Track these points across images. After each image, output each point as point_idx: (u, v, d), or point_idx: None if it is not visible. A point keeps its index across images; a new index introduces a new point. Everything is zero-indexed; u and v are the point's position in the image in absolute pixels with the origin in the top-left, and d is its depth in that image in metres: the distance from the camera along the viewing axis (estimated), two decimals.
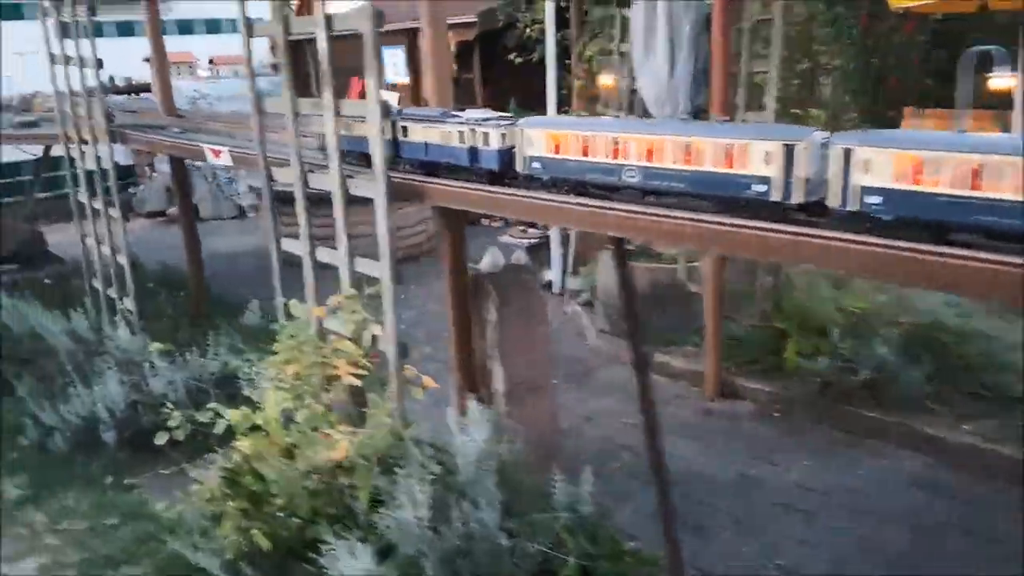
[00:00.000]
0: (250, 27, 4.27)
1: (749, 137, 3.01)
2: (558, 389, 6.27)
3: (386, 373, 4.06)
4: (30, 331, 6.19)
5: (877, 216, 2.66)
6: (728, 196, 3.05)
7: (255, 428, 4.12)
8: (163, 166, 13.57)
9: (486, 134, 3.92)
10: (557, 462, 4.87)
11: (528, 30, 9.05)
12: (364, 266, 4.11)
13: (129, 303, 6.16)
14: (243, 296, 8.97)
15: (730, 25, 5.61)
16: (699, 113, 6.17)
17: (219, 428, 4.13)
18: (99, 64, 5.55)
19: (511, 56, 9.22)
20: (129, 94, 12.41)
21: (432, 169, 4.21)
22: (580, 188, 3.61)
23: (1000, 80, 5.80)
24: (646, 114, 6.40)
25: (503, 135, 3.88)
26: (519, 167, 3.84)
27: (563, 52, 8.40)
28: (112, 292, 6.43)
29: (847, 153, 2.71)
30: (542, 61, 8.27)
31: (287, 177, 4.30)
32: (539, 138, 3.75)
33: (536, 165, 3.76)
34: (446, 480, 3.81)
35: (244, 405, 4.18)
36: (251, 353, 5.31)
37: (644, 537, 4.44)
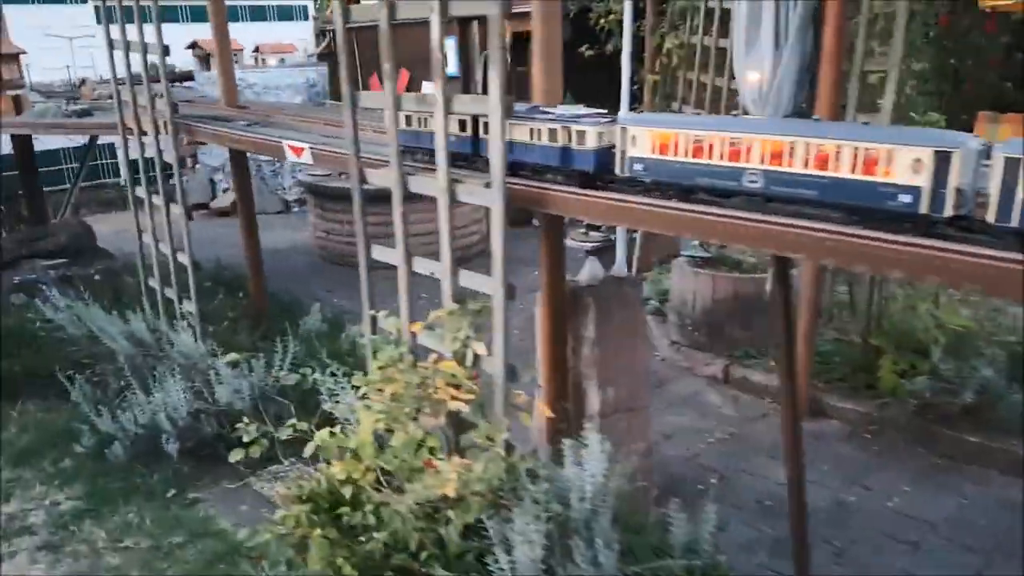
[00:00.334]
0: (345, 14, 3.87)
1: (895, 142, 2.69)
2: None
3: (490, 397, 3.69)
4: (87, 333, 5.87)
5: None
6: (867, 206, 2.75)
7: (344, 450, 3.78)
8: (205, 158, 13.29)
9: (582, 133, 3.55)
10: (655, 491, 4.50)
11: (603, 21, 8.58)
12: (470, 279, 3.72)
13: (191, 306, 5.82)
14: (294, 294, 8.70)
15: (845, 19, 5.17)
16: (800, 115, 5.78)
17: (308, 451, 3.78)
18: (166, 51, 5.20)
19: (583, 48, 8.73)
20: (172, 83, 12.10)
21: (514, 170, 3.83)
22: (688, 193, 3.29)
23: None
24: (743, 113, 5.98)
25: (600, 134, 3.53)
26: (618, 169, 3.50)
27: (637, 45, 7.96)
28: (170, 292, 6.10)
29: (1012, 164, 2.37)
30: (612, 55, 7.84)
31: (384, 180, 3.91)
32: (644, 137, 3.41)
33: (639, 167, 3.43)
34: (560, 517, 3.46)
35: (320, 419, 3.88)
36: (316, 362, 5.00)
37: (737, 569, 4.12)
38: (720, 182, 3.18)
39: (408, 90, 12.30)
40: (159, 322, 6.14)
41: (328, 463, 3.85)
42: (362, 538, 3.53)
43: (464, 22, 11.81)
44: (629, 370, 4.69)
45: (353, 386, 4.31)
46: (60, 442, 5.79)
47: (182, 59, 12.80)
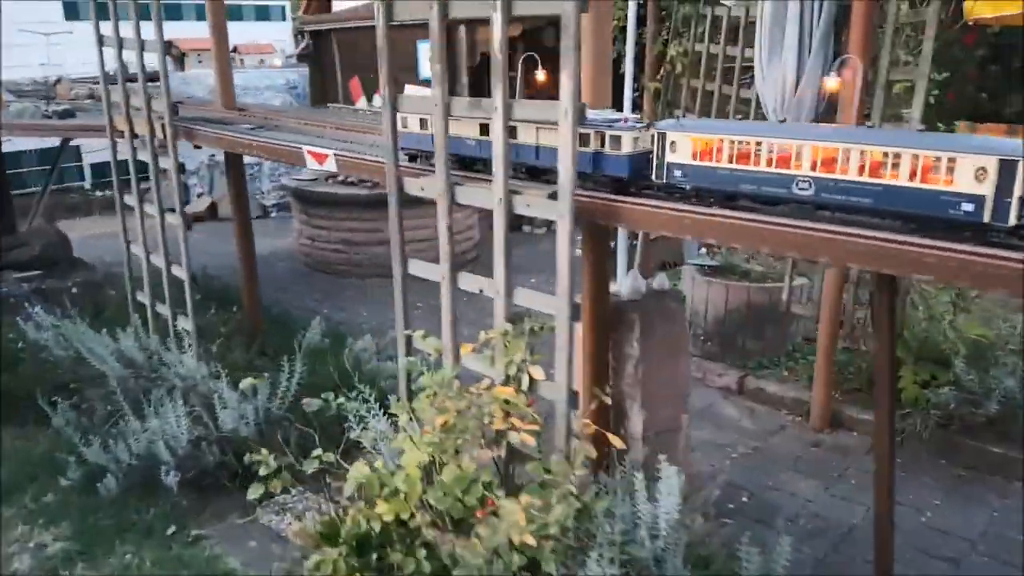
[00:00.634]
0: (388, 8, 3.56)
1: (957, 149, 2.65)
2: None
3: (551, 427, 3.42)
4: (72, 353, 5.36)
5: None
6: (926, 215, 2.72)
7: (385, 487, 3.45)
8: (187, 162, 12.64)
9: (617, 138, 3.42)
10: (705, 516, 4.28)
11: None
12: (528, 298, 3.44)
13: (186, 322, 5.38)
14: (282, 305, 8.24)
15: (872, 27, 5.08)
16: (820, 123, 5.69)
17: (348, 489, 3.43)
18: (168, 48, 4.77)
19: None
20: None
21: (538, 175, 3.70)
22: (730, 200, 3.20)
23: None
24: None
25: (636, 139, 3.41)
26: (655, 175, 3.41)
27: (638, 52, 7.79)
28: (162, 308, 5.64)
29: None
30: (614, 61, 7.63)
31: (428, 190, 3.61)
32: (684, 143, 3.30)
33: (678, 173, 3.34)
34: (632, 557, 3.22)
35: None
36: (330, 383, 4.65)
37: None
38: (767, 189, 3.11)
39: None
40: (150, 340, 5.67)
41: (365, 500, 3.53)
42: None
43: (449, 26, 11.52)
44: (672, 388, 4.49)
45: (388, 414, 4.01)
46: (42, 474, 5.27)
47: (149, 58, 12.11)
